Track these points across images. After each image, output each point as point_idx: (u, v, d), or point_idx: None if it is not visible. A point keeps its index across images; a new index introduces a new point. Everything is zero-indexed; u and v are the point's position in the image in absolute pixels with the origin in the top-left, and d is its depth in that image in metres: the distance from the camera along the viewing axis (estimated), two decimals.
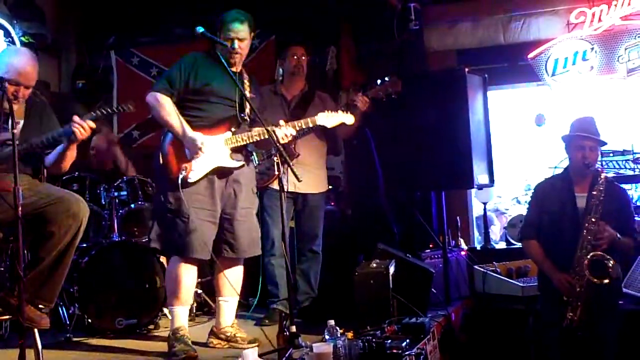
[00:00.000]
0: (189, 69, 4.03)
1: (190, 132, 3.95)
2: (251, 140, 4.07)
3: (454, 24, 6.45)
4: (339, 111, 4.50)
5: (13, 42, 6.17)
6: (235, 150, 4.07)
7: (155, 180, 4.27)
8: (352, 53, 6.46)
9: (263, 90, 5.05)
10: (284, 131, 4.12)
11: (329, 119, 4.42)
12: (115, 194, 5.11)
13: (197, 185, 3.98)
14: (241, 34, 4.04)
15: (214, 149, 3.99)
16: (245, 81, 4.17)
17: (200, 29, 3.93)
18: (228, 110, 4.09)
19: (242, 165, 4.11)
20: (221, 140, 4.03)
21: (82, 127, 3.64)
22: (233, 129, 4.06)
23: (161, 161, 4.00)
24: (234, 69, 4.06)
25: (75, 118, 3.66)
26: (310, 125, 4.36)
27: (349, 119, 4.52)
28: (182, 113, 4.00)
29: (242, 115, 4.09)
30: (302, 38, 5.54)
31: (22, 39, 6.36)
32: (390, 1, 6.16)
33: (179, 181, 3.89)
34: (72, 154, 3.85)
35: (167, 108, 3.97)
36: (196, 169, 3.96)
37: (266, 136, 3.91)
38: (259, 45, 6.64)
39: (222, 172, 4.05)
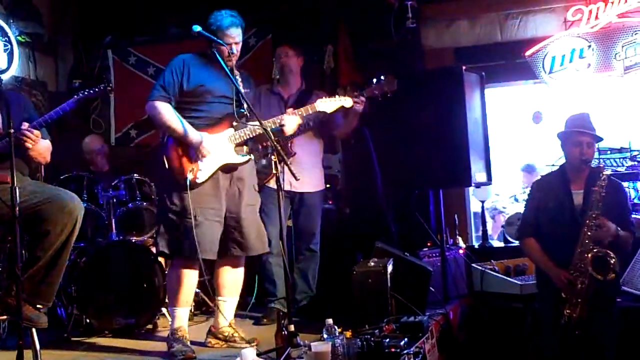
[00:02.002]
0: (180, 71, 4.05)
1: (195, 134, 3.98)
2: (254, 134, 4.09)
3: (451, 22, 6.44)
4: (336, 96, 4.49)
5: (9, 42, 6.16)
6: (239, 145, 4.10)
7: (160, 184, 4.29)
8: (349, 51, 6.44)
9: (260, 89, 5.08)
10: (295, 120, 4.20)
11: (327, 104, 4.43)
12: (113, 193, 5.11)
13: (204, 185, 4.00)
14: (237, 37, 4.08)
15: (219, 147, 4.03)
16: (238, 77, 4.18)
17: (196, 28, 3.95)
18: (226, 107, 4.12)
19: (249, 160, 4.16)
20: (225, 137, 4.07)
21: (27, 136, 3.61)
22: (234, 124, 4.09)
23: (167, 166, 4.00)
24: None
25: (23, 125, 3.61)
26: (310, 111, 4.39)
27: (347, 101, 4.51)
28: (182, 115, 4.02)
29: (241, 110, 4.11)
30: (290, 37, 5.53)
31: (19, 38, 6.36)
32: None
33: (187, 183, 3.92)
34: (40, 150, 3.79)
35: (168, 114, 4.00)
36: (204, 169, 4.00)
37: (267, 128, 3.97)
38: (256, 44, 6.64)
39: (227, 169, 4.09)
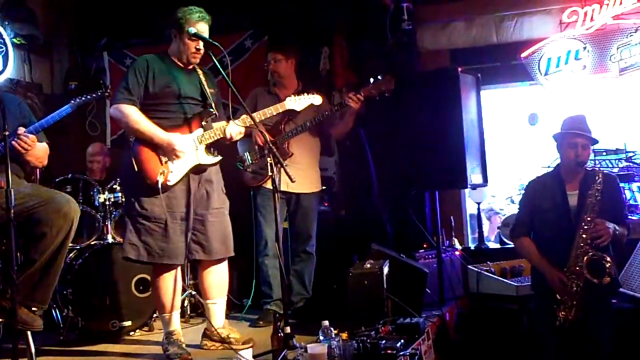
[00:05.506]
0: (144, 73, 3.98)
1: (164, 135, 3.91)
2: (223, 135, 4.07)
3: (446, 24, 6.45)
4: (305, 94, 4.51)
5: (4, 44, 6.15)
6: (208, 146, 4.06)
7: (126, 187, 4.24)
8: (344, 53, 6.44)
9: (257, 91, 5.09)
10: (236, 129, 4.11)
11: (297, 102, 4.46)
12: (109, 196, 5.10)
13: (173, 188, 3.95)
14: (205, 33, 4.03)
15: (189, 148, 3.98)
16: (202, 76, 4.15)
17: (192, 30, 3.94)
18: (194, 108, 4.08)
19: (220, 161, 4.12)
20: (193, 138, 4.02)
21: (23, 141, 3.59)
22: (203, 124, 4.05)
23: (136, 168, 3.92)
24: (190, 67, 4.10)
25: (19, 130, 3.60)
26: (280, 110, 4.41)
27: (317, 99, 4.56)
28: (148, 117, 3.95)
29: (210, 110, 4.08)
30: (286, 39, 5.53)
31: (14, 40, 6.35)
32: (383, 1, 6.15)
33: (159, 186, 3.86)
34: (37, 154, 3.79)
35: (134, 116, 3.92)
36: (175, 171, 3.94)
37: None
38: (252, 46, 6.63)
39: (197, 170, 4.04)
